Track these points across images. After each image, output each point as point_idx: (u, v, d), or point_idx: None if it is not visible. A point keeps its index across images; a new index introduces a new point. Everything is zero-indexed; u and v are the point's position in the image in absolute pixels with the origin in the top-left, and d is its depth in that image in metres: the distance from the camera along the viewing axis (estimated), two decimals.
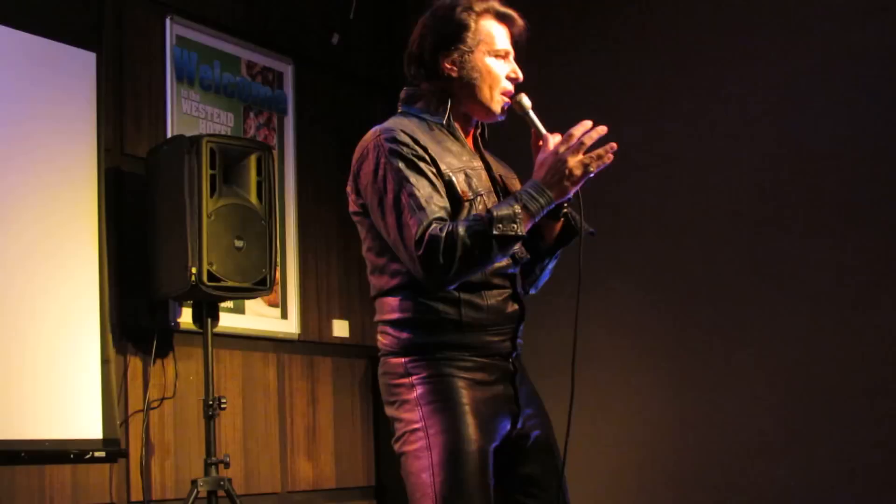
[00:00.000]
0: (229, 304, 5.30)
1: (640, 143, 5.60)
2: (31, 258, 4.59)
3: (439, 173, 2.95)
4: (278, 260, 5.43)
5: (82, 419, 4.66)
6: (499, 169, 3.20)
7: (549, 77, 5.80)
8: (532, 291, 3.24)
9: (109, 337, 4.79)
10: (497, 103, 3.07)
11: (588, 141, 2.85)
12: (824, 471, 5.00)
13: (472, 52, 3.05)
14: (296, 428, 5.73)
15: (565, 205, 3.04)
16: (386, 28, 6.61)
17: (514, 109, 3.08)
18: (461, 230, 2.80)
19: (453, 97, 3.09)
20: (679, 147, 5.53)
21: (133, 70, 5.19)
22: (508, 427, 3.00)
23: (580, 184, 2.87)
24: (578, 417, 5.60)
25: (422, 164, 2.92)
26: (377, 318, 3.07)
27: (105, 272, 4.81)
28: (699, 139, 5.49)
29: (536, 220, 2.87)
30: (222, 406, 4.86)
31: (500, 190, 3.11)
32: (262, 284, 4.94)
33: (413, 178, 2.89)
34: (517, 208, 2.81)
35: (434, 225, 2.82)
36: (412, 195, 2.87)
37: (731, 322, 5.33)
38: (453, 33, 3.06)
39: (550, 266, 3.21)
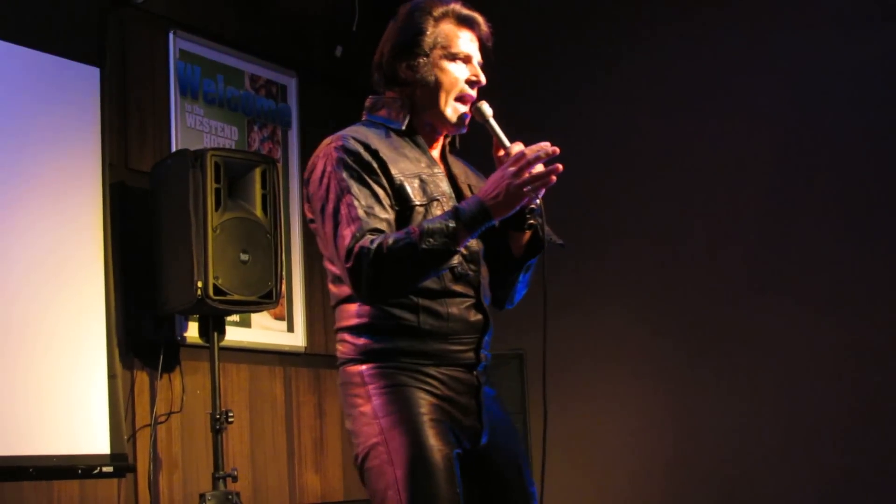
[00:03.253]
0: (235, 317, 5.30)
1: (642, 151, 5.61)
2: (36, 274, 4.59)
3: (390, 179, 2.89)
4: (284, 273, 5.43)
5: (90, 434, 4.65)
6: (470, 179, 3.12)
7: (538, 84, 5.81)
8: (508, 306, 3.16)
9: (116, 352, 4.78)
10: (453, 111, 3.00)
11: (536, 162, 2.76)
12: (825, 476, 4.99)
13: (428, 56, 3.00)
14: (303, 441, 5.72)
15: (530, 216, 2.97)
16: None
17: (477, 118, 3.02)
18: (390, 242, 2.73)
19: (415, 105, 3.03)
20: (680, 154, 5.54)
21: (137, 85, 5.20)
22: (469, 443, 2.91)
23: (520, 204, 2.77)
24: (578, 419, 5.62)
25: (367, 175, 2.87)
26: (336, 325, 3.02)
27: (111, 287, 4.81)
28: (699, 146, 5.50)
29: (474, 236, 2.80)
30: (230, 420, 4.85)
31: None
32: (268, 298, 4.94)
33: (355, 188, 2.84)
34: (451, 223, 2.73)
35: (367, 237, 2.76)
36: (350, 206, 2.82)
37: (731, 327, 5.33)
38: (410, 39, 3.03)
39: (524, 279, 3.11)
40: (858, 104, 5.06)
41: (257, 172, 4.98)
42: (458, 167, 3.14)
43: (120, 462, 4.70)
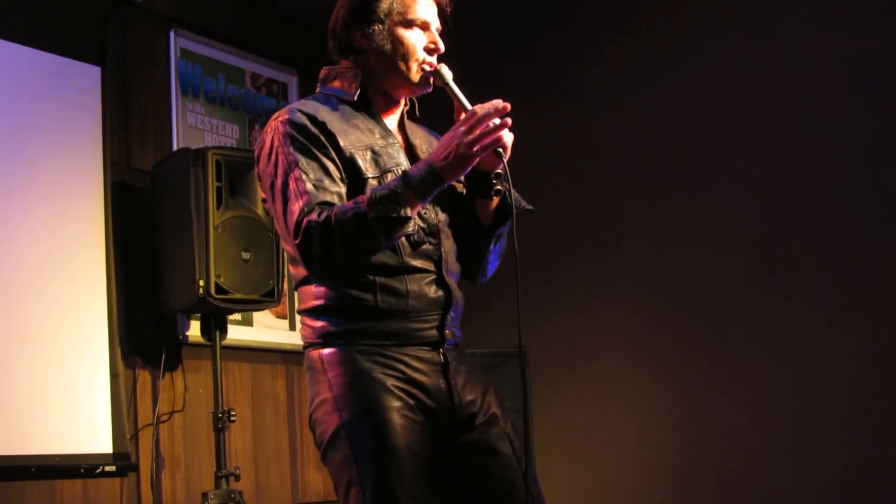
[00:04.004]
0: (237, 316, 5.30)
1: (644, 149, 5.60)
2: (38, 273, 4.59)
3: (339, 152, 2.80)
4: (286, 271, 5.43)
5: (92, 433, 4.65)
6: (433, 147, 2.96)
7: (540, 78, 5.81)
8: (482, 279, 3.03)
9: (118, 351, 4.78)
10: (415, 74, 2.89)
11: (486, 120, 2.66)
12: (828, 477, 4.98)
13: (383, 23, 2.90)
14: (306, 439, 5.72)
15: (496, 182, 2.86)
16: None
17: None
18: (338, 214, 2.63)
19: (369, 72, 2.94)
20: (683, 152, 5.53)
21: (138, 84, 5.20)
22: (444, 421, 2.79)
23: (471, 164, 2.67)
24: (580, 419, 5.62)
25: (314, 147, 2.78)
26: (297, 308, 2.93)
27: (113, 286, 4.81)
28: (703, 144, 5.48)
29: (426, 201, 2.70)
30: (232, 418, 4.85)
31: None
32: (269, 296, 4.94)
33: (303, 162, 2.75)
34: (400, 189, 2.64)
35: (315, 210, 2.67)
36: (298, 180, 2.72)
37: (734, 327, 5.32)
38: (364, 5, 2.93)
39: (496, 250, 2.98)
40: (866, 100, 5.04)
41: None
42: (419, 135, 3.04)
43: (122, 461, 4.70)
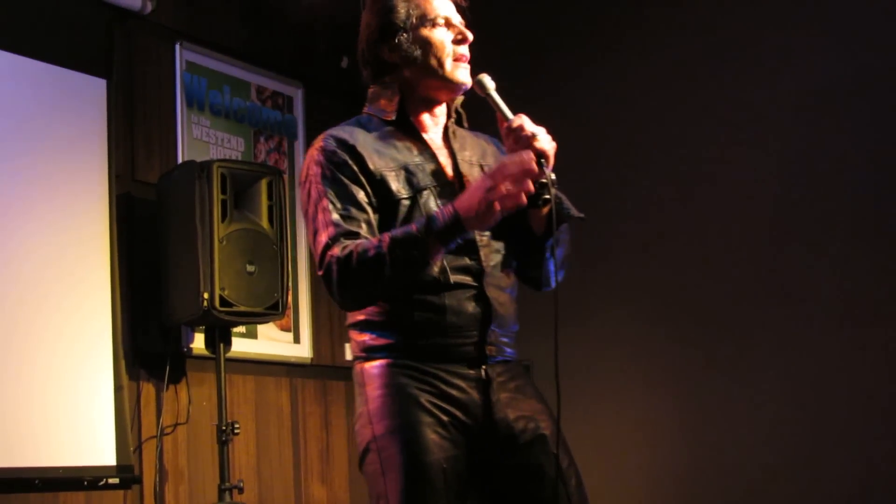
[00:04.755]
0: (242, 328, 5.29)
1: (651, 153, 5.60)
2: (43, 285, 4.60)
3: (368, 175, 2.79)
4: (290, 284, 5.43)
5: (96, 446, 4.65)
6: (486, 158, 2.98)
7: (547, 83, 5.81)
8: (546, 288, 2.99)
9: (122, 363, 4.79)
10: (453, 70, 2.89)
11: (512, 175, 2.61)
12: (840, 483, 4.97)
13: (406, 30, 2.89)
14: (309, 452, 5.72)
15: (543, 191, 2.77)
16: None
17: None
18: (360, 252, 2.66)
19: (407, 86, 2.92)
20: (690, 157, 5.53)
21: (143, 96, 5.20)
22: (481, 438, 2.77)
23: (495, 219, 2.63)
24: (586, 427, 5.61)
25: (342, 175, 2.79)
26: (346, 323, 2.95)
27: (117, 298, 4.81)
28: (710, 149, 5.48)
29: (450, 247, 2.68)
30: (236, 431, 4.85)
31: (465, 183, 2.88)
32: (274, 309, 4.94)
33: (331, 191, 2.77)
34: (421, 234, 2.64)
35: (339, 243, 2.70)
36: (325, 210, 2.76)
37: (744, 332, 5.31)
38: (383, 20, 2.91)
39: (555, 259, 2.91)
40: (873, 106, 5.04)
41: (263, 184, 4.98)
42: (471, 145, 3.01)
43: (126, 474, 4.70)
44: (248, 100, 5.71)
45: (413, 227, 2.67)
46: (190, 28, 5.45)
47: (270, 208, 4.98)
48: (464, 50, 2.92)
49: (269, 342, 5.57)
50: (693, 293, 5.46)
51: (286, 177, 5.66)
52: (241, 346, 5.28)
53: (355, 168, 2.81)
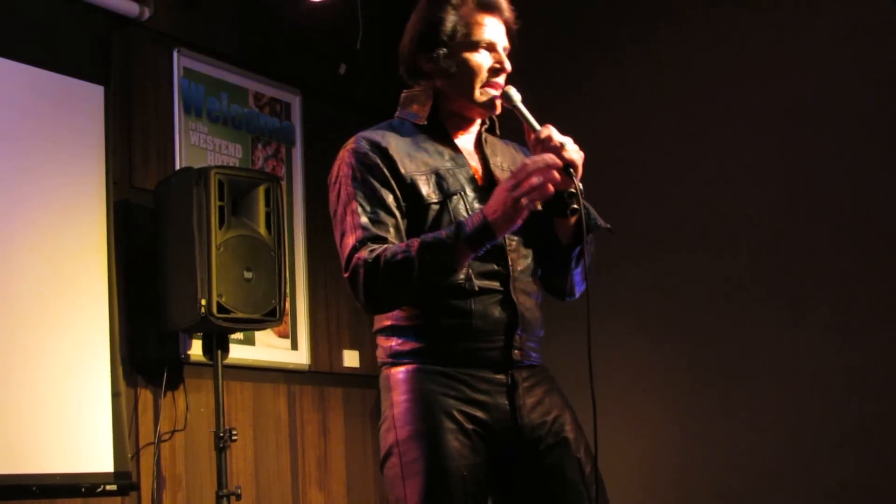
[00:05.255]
0: (239, 335, 5.29)
1: (643, 163, 5.61)
2: (40, 292, 4.59)
3: (399, 179, 2.81)
4: (288, 291, 5.43)
5: (93, 453, 4.65)
6: (514, 164, 2.93)
7: (547, 85, 5.81)
8: (569, 298, 3.03)
9: (120, 370, 4.78)
10: (482, 96, 2.89)
11: (534, 173, 2.63)
12: (831, 492, 4.98)
13: (448, 47, 2.90)
14: (307, 459, 5.72)
15: (571, 201, 2.82)
16: (393, 58, 6.61)
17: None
18: (388, 255, 2.68)
19: (440, 95, 2.94)
20: (684, 167, 5.53)
21: (141, 103, 5.20)
22: (506, 443, 2.78)
23: (521, 217, 2.64)
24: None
25: (373, 177, 2.81)
26: (373, 328, 2.96)
27: (114, 305, 4.81)
28: (703, 157, 5.49)
29: (479, 252, 2.69)
30: (233, 438, 4.85)
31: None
32: (271, 315, 4.94)
33: (361, 193, 2.80)
34: (451, 240, 2.66)
35: (366, 247, 2.72)
36: (354, 213, 2.78)
37: (737, 343, 5.32)
38: (428, 31, 2.92)
39: (580, 269, 2.94)
40: (867, 112, 5.05)
41: (261, 190, 4.98)
42: (504, 152, 3.03)
43: (123, 480, 4.69)
44: (246, 106, 5.71)
45: (442, 233, 2.69)
46: (188, 35, 5.46)
47: (268, 215, 4.98)
48: (500, 80, 2.92)
49: (266, 349, 5.57)
50: (686, 303, 5.46)
51: (284, 183, 5.66)
52: (238, 352, 5.27)
53: (386, 171, 2.83)
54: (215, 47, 5.59)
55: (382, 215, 2.78)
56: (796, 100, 5.25)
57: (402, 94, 3.05)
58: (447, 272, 2.70)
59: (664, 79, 5.66)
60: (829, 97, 5.15)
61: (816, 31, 5.25)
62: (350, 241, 2.76)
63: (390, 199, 2.81)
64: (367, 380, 6.11)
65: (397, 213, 2.80)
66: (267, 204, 4.98)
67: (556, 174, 2.65)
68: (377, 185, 2.81)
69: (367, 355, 6.13)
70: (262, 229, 4.96)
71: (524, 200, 2.62)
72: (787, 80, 5.28)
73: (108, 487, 4.64)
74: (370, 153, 2.85)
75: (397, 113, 3.04)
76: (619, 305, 5.63)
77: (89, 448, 4.64)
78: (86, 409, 4.66)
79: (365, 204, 2.79)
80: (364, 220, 2.76)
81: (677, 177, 5.55)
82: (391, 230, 2.77)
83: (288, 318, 5.64)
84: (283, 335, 5.67)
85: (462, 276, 2.77)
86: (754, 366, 5.26)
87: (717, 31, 5.55)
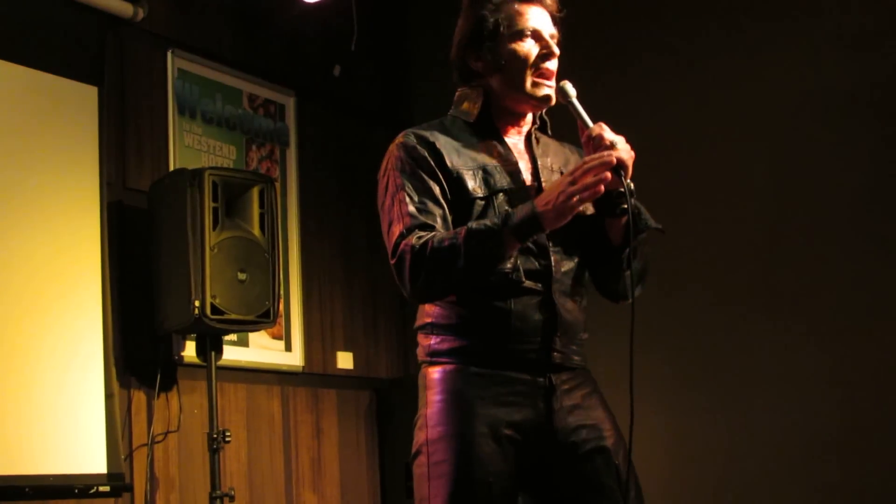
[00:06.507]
0: (233, 336, 5.29)
1: (638, 168, 5.59)
2: (33, 293, 4.59)
3: (446, 172, 2.81)
4: (282, 292, 5.42)
5: (86, 454, 4.64)
6: (569, 167, 2.91)
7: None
8: (623, 301, 3.02)
9: (113, 371, 4.78)
10: (534, 86, 2.88)
11: (591, 171, 2.63)
12: (823, 497, 4.98)
13: (493, 41, 2.89)
14: (301, 460, 5.71)
15: (620, 200, 2.79)
16: (387, 59, 6.62)
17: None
18: (435, 243, 2.67)
19: (491, 93, 2.93)
20: (677, 174, 5.53)
21: (135, 104, 5.20)
22: (539, 447, 2.76)
23: (571, 213, 2.64)
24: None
25: (421, 169, 2.81)
26: (414, 325, 2.95)
27: (108, 306, 4.80)
28: (698, 164, 5.49)
29: (525, 242, 2.70)
30: (227, 439, 4.85)
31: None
32: (265, 317, 4.94)
33: (409, 184, 2.79)
34: (497, 227, 2.66)
35: (413, 234, 2.71)
36: (402, 202, 2.77)
37: (727, 348, 5.32)
38: (473, 30, 2.92)
39: (637, 268, 2.94)
40: (865, 118, 5.06)
41: (255, 191, 4.98)
42: (554, 152, 3.00)
43: (117, 482, 4.69)
44: (240, 107, 5.70)
45: (489, 221, 2.69)
46: (182, 35, 5.45)
47: (262, 216, 4.98)
48: (550, 65, 2.91)
49: (260, 350, 5.57)
50: (677, 308, 5.45)
51: (278, 185, 5.65)
52: (232, 354, 5.27)
53: (433, 164, 2.82)
54: (210, 48, 5.59)
55: (430, 205, 2.77)
56: (787, 100, 5.26)
57: (457, 93, 3.04)
58: (493, 261, 2.69)
59: (663, 79, 5.66)
60: (827, 97, 5.15)
61: (821, 32, 5.24)
62: (397, 229, 2.75)
63: (437, 190, 2.80)
64: (361, 381, 6.11)
65: (444, 204, 2.80)
66: (261, 205, 4.98)
67: (609, 174, 2.65)
68: (425, 176, 2.81)
69: (361, 357, 6.14)
70: (256, 230, 4.95)
71: (576, 198, 2.62)
72: (787, 80, 5.28)
73: (102, 488, 4.64)
74: (418, 146, 2.84)
75: (450, 112, 3.03)
76: (608, 310, 5.62)
77: (82, 449, 4.64)
78: (79, 410, 4.65)
79: (413, 194, 2.78)
80: (412, 208, 2.75)
81: (676, 177, 5.54)
82: (438, 220, 2.76)
83: (282, 320, 5.64)
84: (276, 337, 5.67)
85: (509, 266, 2.76)
86: (745, 369, 5.26)
87: (712, 24, 5.56)
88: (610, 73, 5.80)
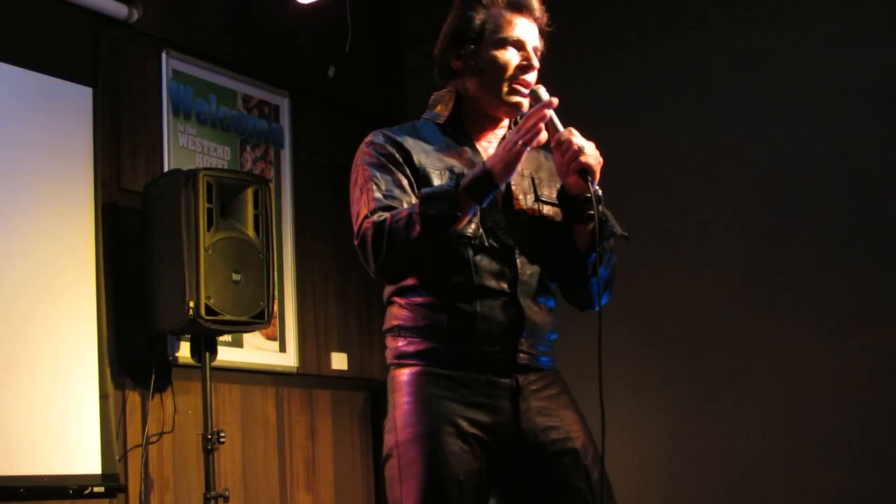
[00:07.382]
0: (227, 337, 5.29)
1: (636, 166, 5.60)
2: (28, 294, 4.59)
3: (413, 169, 2.83)
4: (276, 293, 5.42)
5: (81, 454, 4.64)
6: (541, 171, 2.98)
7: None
8: (589, 310, 3.02)
9: (108, 372, 4.77)
10: (511, 95, 2.87)
11: (533, 116, 2.69)
12: (824, 495, 4.98)
13: (476, 45, 2.89)
14: (295, 461, 5.71)
15: (587, 206, 2.79)
16: (382, 61, 6.63)
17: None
18: (393, 214, 2.69)
19: (467, 95, 2.94)
20: (676, 170, 5.54)
21: (129, 104, 5.20)
22: (507, 447, 2.77)
23: (517, 158, 2.66)
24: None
25: (389, 163, 2.83)
26: (383, 328, 2.96)
27: (102, 307, 4.80)
28: (697, 160, 5.49)
29: (482, 203, 2.69)
30: (221, 440, 4.84)
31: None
32: (259, 318, 4.94)
33: (377, 175, 2.81)
34: (451, 187, 2.66)
35: (377, 213, 2.72)
36: (369, 191, 2.79)
37: (729, 344, 5.32)
38: (458, 29, 2.92)
39: (603, 275, 2.91)
40: (863, 120, 5.06)
41: (249, 192, 4.98)
42: (527, 158, 2.88)
43: (111, 482, 4.69)
44: (235, 108, 5.70)
45: (444, 185, 2.71)
46: (176, 36, 5.45)
47: (256, 217, 4.98)
48: (528, 77, 2.90)
49: (254, 351, 5.57)
50: (678, 305, 5.46)
51: (272, 186, 5.66)
52: (226, 354, 5.27)
53: (401, 160, 2.85)
54: (204, 49, 5.59)
55: (397, 192, 2.79)
56: (789, 96, 5.26)
57: (431, 97, 3.05)
58: (449, 221, 2.66)
59: (661, 79, 5.66)
60: (824, 98, 5.16)
61: (820, 33, 5.25)
62: (362, 212, 2.77)
63: (405, 182, 2.82)
64: (355, 382, 6.11)
65: (412, 194, 2.80)
66: (255, 206, 4.98)
67: (548, 113, 2.70)
68: (393, 168, 2.83)
69: (355, 358, 6.14)
70: (251, 231, 4.96)
71: (520, 142, 2.65)
72: (785, 80, 5.28)
73: (96, 489, 4.63)
74: (386, 144, 2.87)
75: (423, 115, 3.04)
76: (608, 307, 5.63)
77: (77, 450, 4.64)
78: (73, 411, 4.65)
79: (380, 183, 2.80)
80: (377, 195, 2.78)
81: (674, 177, 5.55)
82: (404, 206, 2.76)
83: (276, 321, 5.64)
84: (271, 337, 5.67)
85: (471, 229, 2.77)
86: (746, 366, 5.26)
87: (711, 24, 5.56)
88: (610, 73, 5.81)
